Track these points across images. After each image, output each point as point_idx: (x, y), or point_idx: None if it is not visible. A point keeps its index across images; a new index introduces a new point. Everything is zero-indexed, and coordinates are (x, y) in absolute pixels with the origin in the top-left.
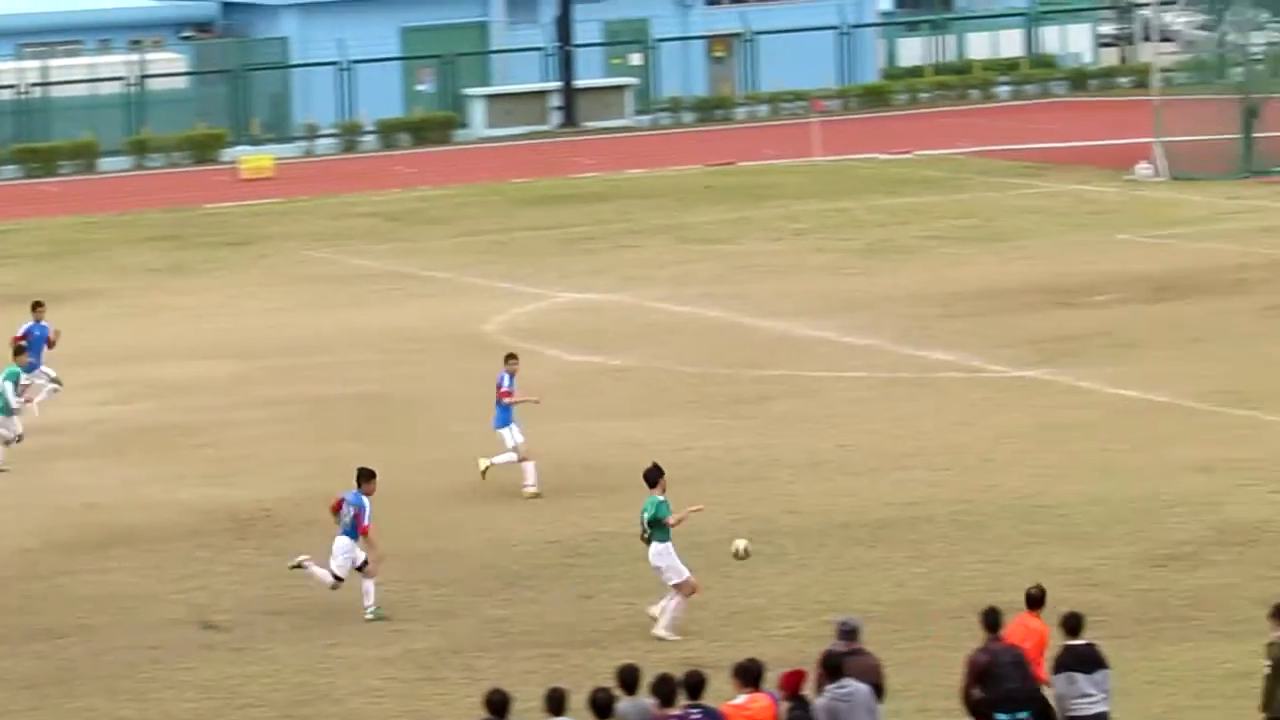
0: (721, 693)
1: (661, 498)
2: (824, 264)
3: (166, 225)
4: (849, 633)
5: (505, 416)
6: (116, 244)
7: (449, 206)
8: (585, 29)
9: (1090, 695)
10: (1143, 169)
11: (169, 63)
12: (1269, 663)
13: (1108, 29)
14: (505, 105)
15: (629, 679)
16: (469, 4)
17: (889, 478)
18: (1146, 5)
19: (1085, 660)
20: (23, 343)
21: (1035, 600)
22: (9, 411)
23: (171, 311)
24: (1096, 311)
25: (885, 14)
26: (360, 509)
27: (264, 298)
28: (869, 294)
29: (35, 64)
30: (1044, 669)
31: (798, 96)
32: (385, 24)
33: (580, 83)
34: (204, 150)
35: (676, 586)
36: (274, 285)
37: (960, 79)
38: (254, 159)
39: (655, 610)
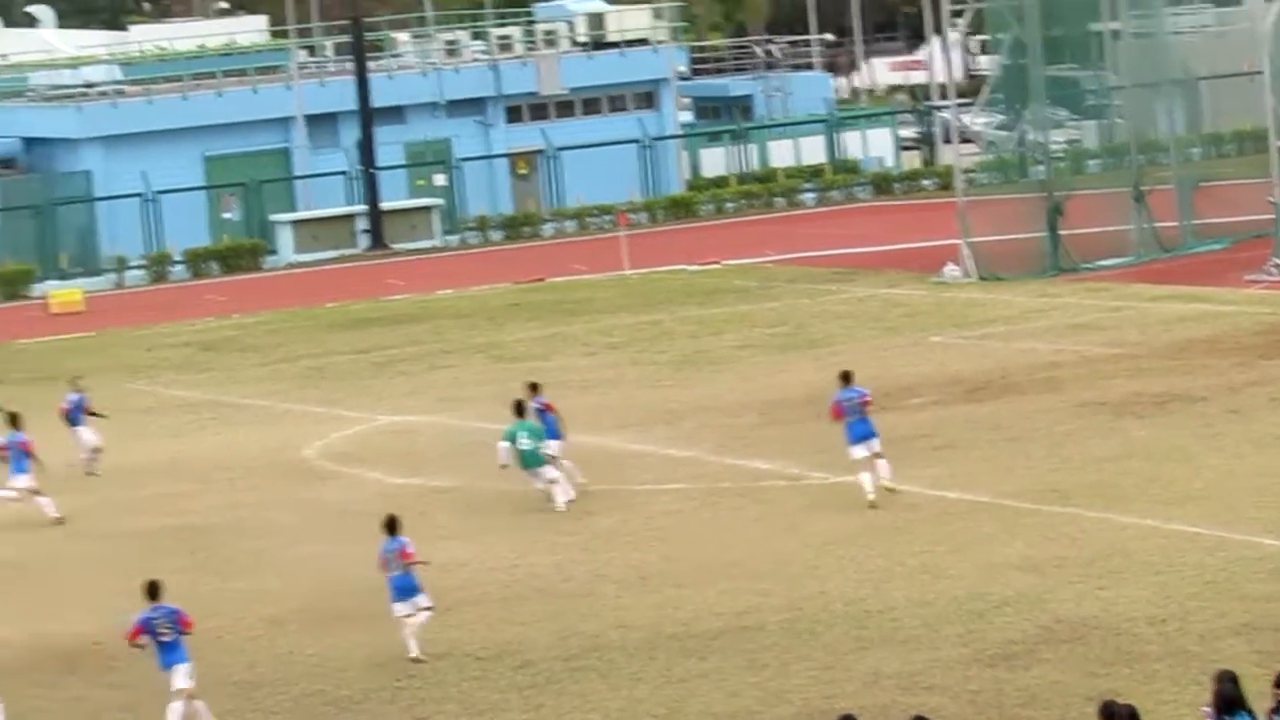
0: None
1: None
2: (640, 377)
3: None
4: None
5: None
6: None
7: (262, 333)
8: (388, 151)
9: None
10: (951, 270)
11: None
12: None
13: (908, 132)
14: (312, 230)
15: None
16: (271, 130)
17: (717, 588)
18: (945, 107)
19: None
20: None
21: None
22: None
23: None
24: (913, 414)
25: (686, 125)
26: (402, 547)
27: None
28: (687, 405)
29: None
30: None
31: (604, 210)
32: (188, 153)
33: (386, 205)
34: (12, 286)
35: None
36: (92, 419)
37: (764, 187)
38: (63, 293)
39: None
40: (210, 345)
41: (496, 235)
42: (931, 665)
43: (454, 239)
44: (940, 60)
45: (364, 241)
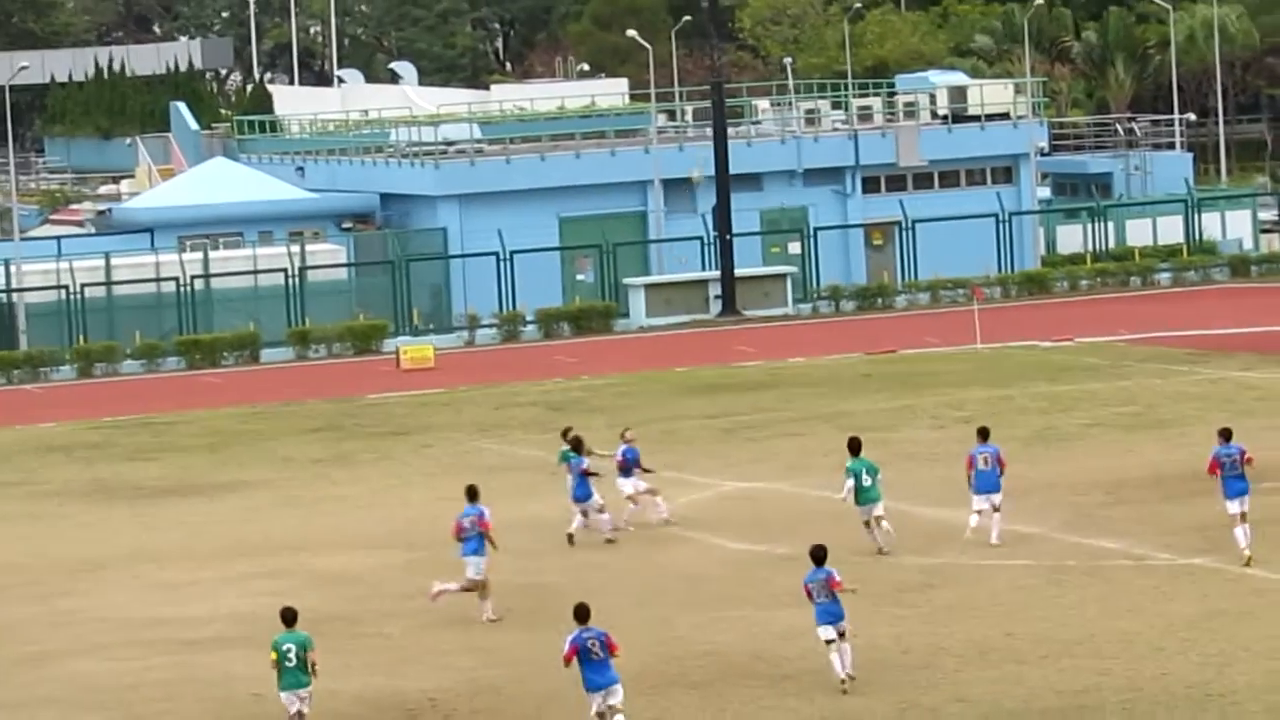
0: None
1: None
2: None
3: (329, 415)
4: None
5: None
6: (279, 434)
7: (610, 396)
8: (744, 217)
9: None
10: None
11: (329, 254)
12: None
13: (1268, 215)
14: (665, 294)
15: None
16: (627, 193)
17: (1058, 665)
18: None
19: None
20: None
21: None
22: None
23: (335, 501)
24: (1263, 499)
25: (1044, 201)
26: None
27: (428, 488)
28: (1034, 481)
29: (197, 256)
30: None
31: (958, 284)
32: (543, 213)
33: (740, 271)
34: (365, 341)
35: None
36: (438, 475)
37: (1120, 265)
38: (415, 349)
39: None
40: (558, 406)
41: (849, 305)
42: None
43: (806, 307)
44: None
45: (716, 307)
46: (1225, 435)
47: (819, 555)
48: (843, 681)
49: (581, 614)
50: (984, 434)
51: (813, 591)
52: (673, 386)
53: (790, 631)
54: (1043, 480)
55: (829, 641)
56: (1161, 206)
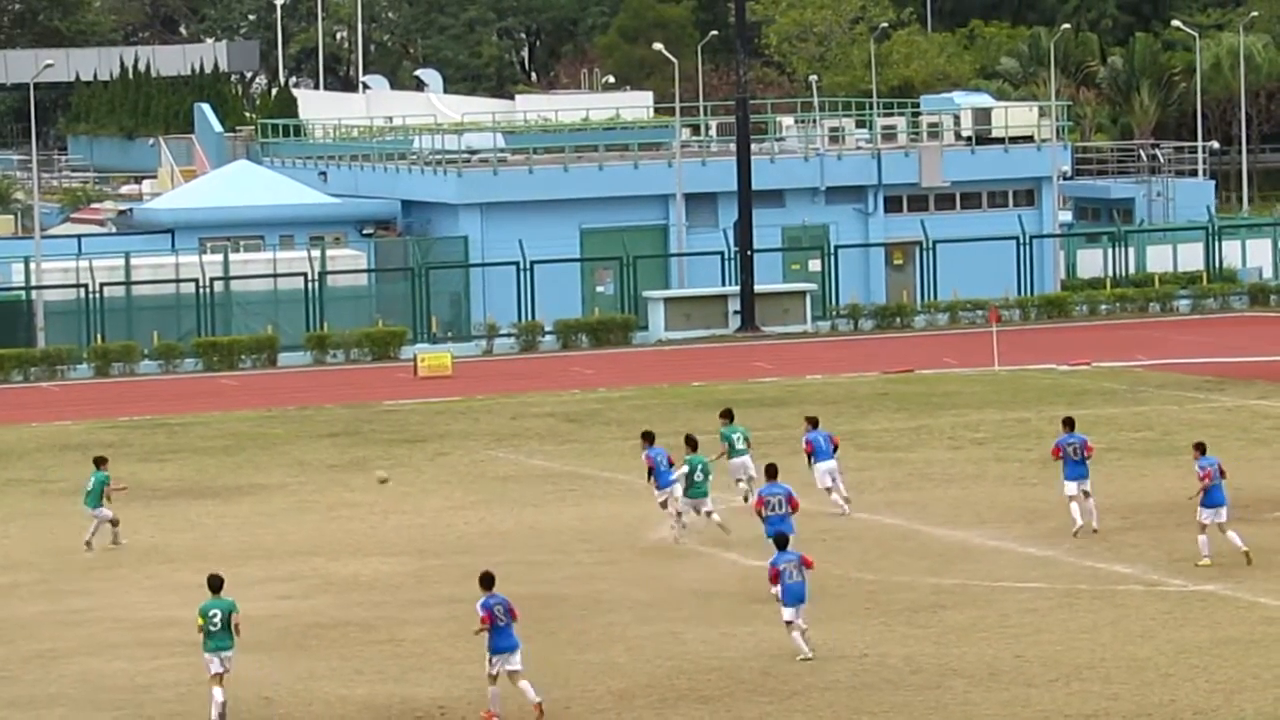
0: None
1: None
2: (1004, 473)
3: (345, 421)
4: None
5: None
6: (295, 439)
7: (627, 408)
8: (765, 233)
9: None
10: None
11: (350, 259)
12: None
13: None
14: (684, 308)
15: None
16: (649, 207)
17: (1067, 689)
18: None
19: None
20: None
21: None
22: None
23: (350, 507)
24: (1273, 527)
25: (1065, 225)
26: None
27: (442, 495)
28: (1049, 504)
29: (217, 258)
30: None
31: (977, 305)
32: (565, 224)
33: (760, 287)
34: (383, 347)
35: None
36: (452, 483)
37: (1140, 291)
38: (433, 357)
39: None
40: (574, 417)
41: (867, 324)
42: None
43: (825, 325)
44: None
45: (735, 322)
46: (1069, 424)
47: (783, 541)
48: (808, 659)
49: (487, 581)
50: (1069, 424)
51: (784, 573)
52: (689, 401)
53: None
54: (1057, 503)
55: (789, 623)
56: (1182, 233)
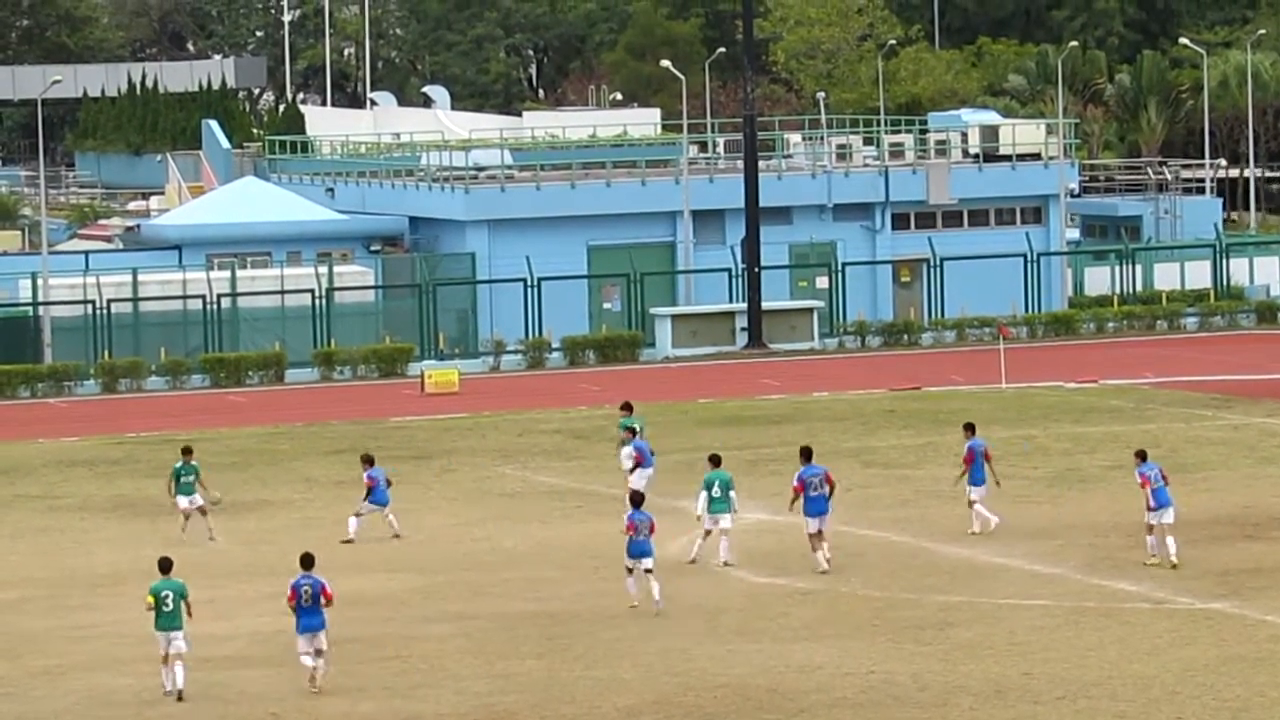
0: None
1: None
2: (1010, 491)
3: (352, 437)
4: None
5: None
6: (302, 455)
7: None
8: (772, 250)
9: None
10: None
11: (357, 276)
12: None
13: None
14: (692, 325)
15: None
16: (657, 224)
17: (1074, 706)
18: None
19: None
20: None
21: None
22: None
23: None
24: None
25: (1073, 242)
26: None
27: (449, 512)
28: (1056, 522)
29: (224, 275)
30: None
31: (984, 323)
32: (572, 241)
33: (767, 304)
34: (390, 363)
35: None
36: (459, 500)
37: (1148, 309)
38: (440, 373)
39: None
40: (581, 434)
41: (875, 341)
42: None
43: (832, 342)
44: None
45: (742, 339)
46: (806, 455)
47: (809, 452)
48: (824, 571)
49: (307, 562)
50: (1143, 455)
51: (808, 484)
52: (696, 418)
53: (808, 665)
54: (1064, 521)
55: (814, 534)
56: (1190, 251)
